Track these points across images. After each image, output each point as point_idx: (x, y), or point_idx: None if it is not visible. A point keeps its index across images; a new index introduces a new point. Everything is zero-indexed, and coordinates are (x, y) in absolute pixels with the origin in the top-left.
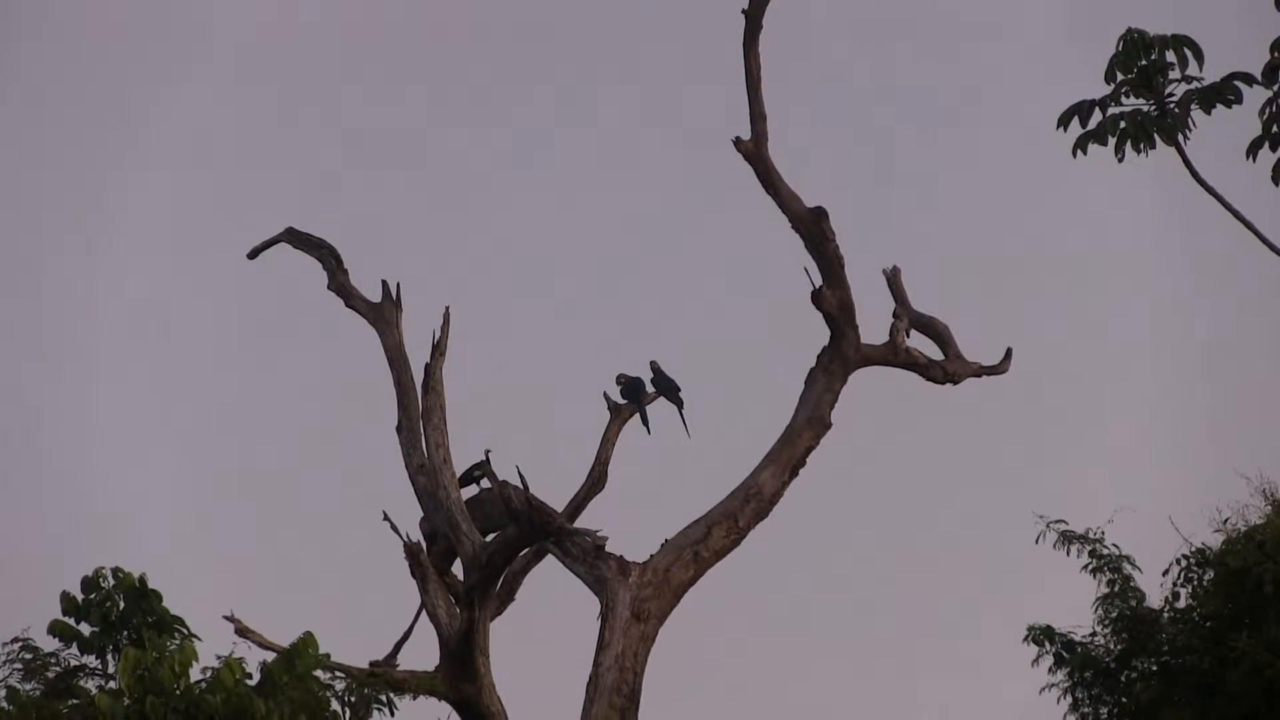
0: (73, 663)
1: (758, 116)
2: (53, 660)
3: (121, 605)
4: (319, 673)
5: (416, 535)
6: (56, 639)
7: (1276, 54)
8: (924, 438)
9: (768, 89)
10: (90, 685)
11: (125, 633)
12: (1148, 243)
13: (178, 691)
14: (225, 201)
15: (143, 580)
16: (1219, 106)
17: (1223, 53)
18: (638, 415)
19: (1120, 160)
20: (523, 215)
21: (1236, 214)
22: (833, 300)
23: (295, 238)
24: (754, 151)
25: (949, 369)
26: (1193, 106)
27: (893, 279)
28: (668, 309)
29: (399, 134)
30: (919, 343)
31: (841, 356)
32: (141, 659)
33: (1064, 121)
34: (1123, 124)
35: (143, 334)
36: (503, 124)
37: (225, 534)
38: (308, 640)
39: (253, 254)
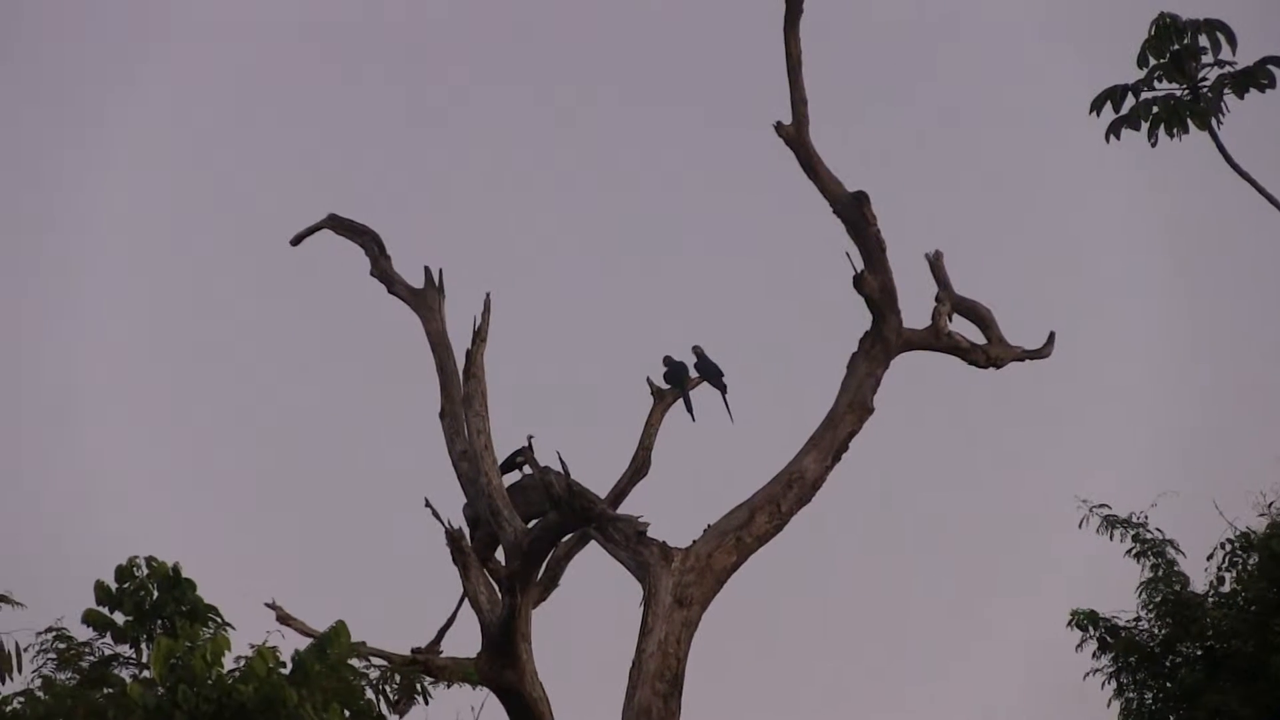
0: (106, 652)
1: (799, 101)
2: (86, 650)
3: (155, 594)
4: (355, 661)
5: (459, 522)
6: (90, 628)
7: None
8: (966, 422)
9: (808, 73)
10: (125, 674)
11: (159, 622)
12: (1191, 227)
13: (210, 681)
14: (265, 187)
15: (176, 569)
16: (1252, 91)
17: (1256, 37)
18: (681, 401)
19: (1153, 144)
20: (566, 200)
21: (1270, 197)
22: (874, 285)
23: (338, 224)
24: (795, 136)
25: (991, 353)
26: (1225, 91)
27: (935, 263)
28: (710, 294)
29: (443, 120)
30: (961, 327)
31: (883, 341)
32: (174, 648)
33: (1097, 106)
34: (1155, 108)
35: (187, 322)
36: (546, 109)
37: (270, 522)
38: (339, 629)
39: (295, 240)
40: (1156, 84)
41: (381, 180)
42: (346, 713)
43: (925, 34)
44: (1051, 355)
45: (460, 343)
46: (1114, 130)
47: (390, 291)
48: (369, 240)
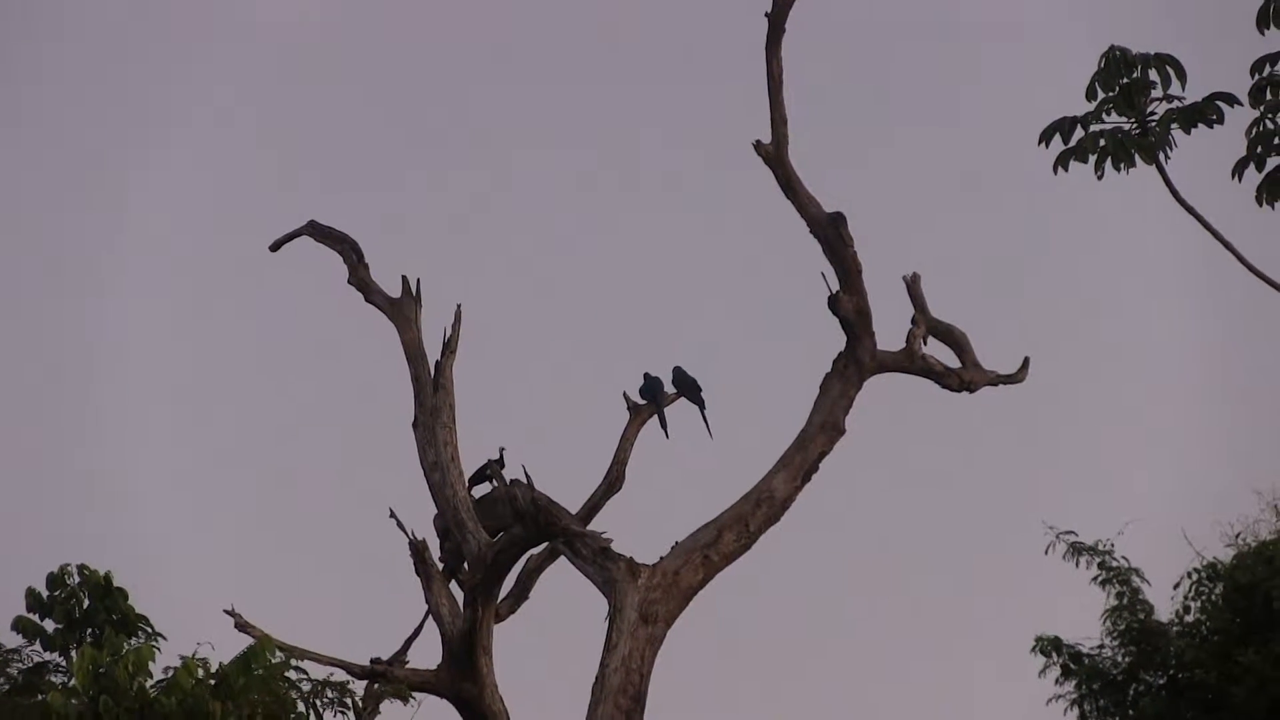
0: (34, 659)
1: (779, 120)
2: (15, 657)
3: (86, 603)
4: (292, 673)
5: (430, 533)
6: (20, 635)
7: (1257, 75)
8: (939, 445)
9: (789, 93)
10: (58, 681)
11: (89, 630)
12: (1164, 255)
13: (132, 692)
14: (243, 194)
15: (108, 578)
16: (1201, 126)
17: (1210, 72)
18: (656, 417)
19: (1100, 178)
20: (543, 216)
21: (1216, 234)
22: (850, 306)
23: (317, 231)
24: (774, 155)
25: (965, 377)
26: (1173, 126)
27: (912, 285)
28: (685, 312)
29: (421, 130)
30: (937, 350)
31: (857, 362)
32: (97, 658)
33: (1045, 138)
34: (1102, 141)
35: (158, 327)
36: (525, 123)
37: (241, 531)
38: (265, 643)
39: (274, 246)
40: (1105, 117)
41: (362, 188)
42: None
43: (911, 53)
44: (1026, 380)
45: (437, 354)
46: (1061, 162)
47: (367, 300)
48: (348, 248)
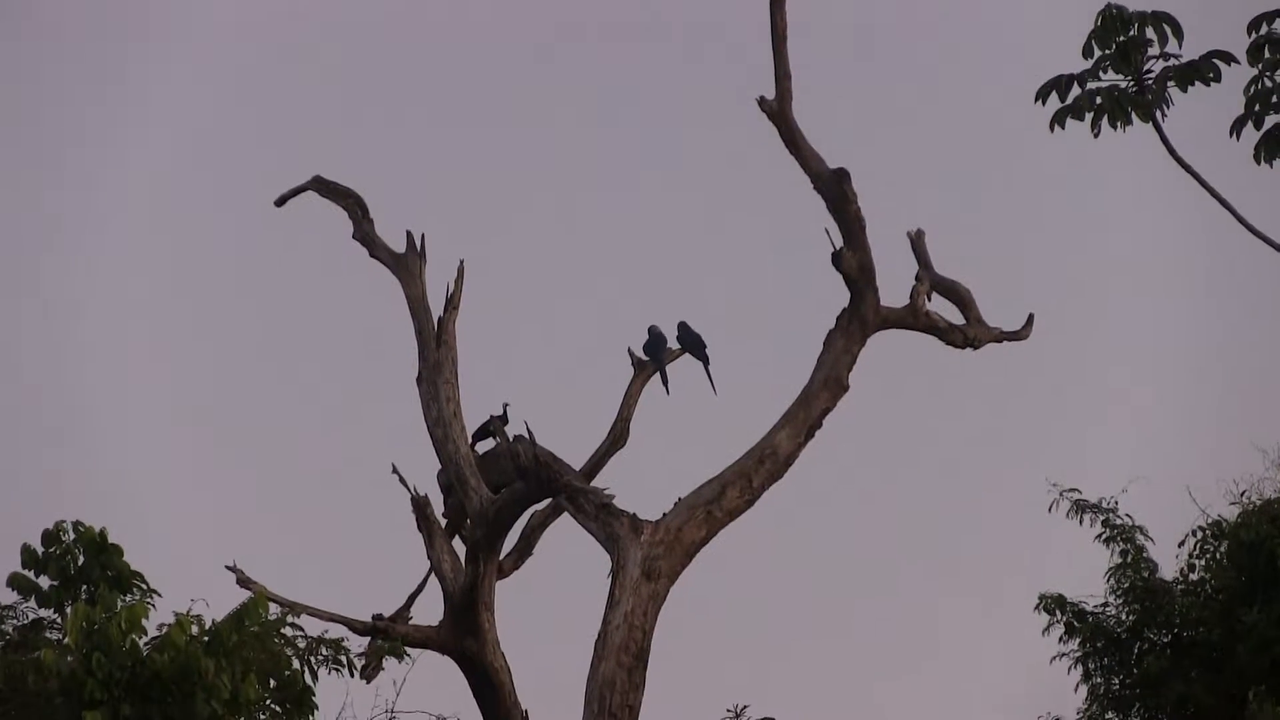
0: (30, 616)
1: (783, 75)
2: (10, 614)
3: (81, 559)
4: (289, 630)
5: (434, 488)
6: (15, 592)
7: (1254, 33)
8: (942, 401)
9: (793, 48)
10: (54, 638)
11: (85, 587)
12: (1169, 212)
13: (125, 649)
14: (249, 148)
15: (103, 534)
16: (1198, 85)
17: (1207, 30)
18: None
19: (1096, 136)
20: (548, 170)
21: (1213, 192)
22: (853, 262)
23: (322, 186)
24: (778, 111)
25: (969, 333)
26: (1170, 84)
27: (916, 242)
28: (689, 268)
29: (426, 83)
30: (941, 307)
31: (860, 318)
32: (90, 615)
33: (1042, 95)
34: (1099, 100)
35: (158, 282)
36: (527, 78)
37: (244, 487)
38: (258, 600)
39: (280, 201)
40: (1102, 75)
41: (367, 142)
42: (272, 682)
43: (916, 10)
44: (1030, 337)
45: (440, 309)
46: (1058, 120)
47: (372, 255)
48: (352, 203)
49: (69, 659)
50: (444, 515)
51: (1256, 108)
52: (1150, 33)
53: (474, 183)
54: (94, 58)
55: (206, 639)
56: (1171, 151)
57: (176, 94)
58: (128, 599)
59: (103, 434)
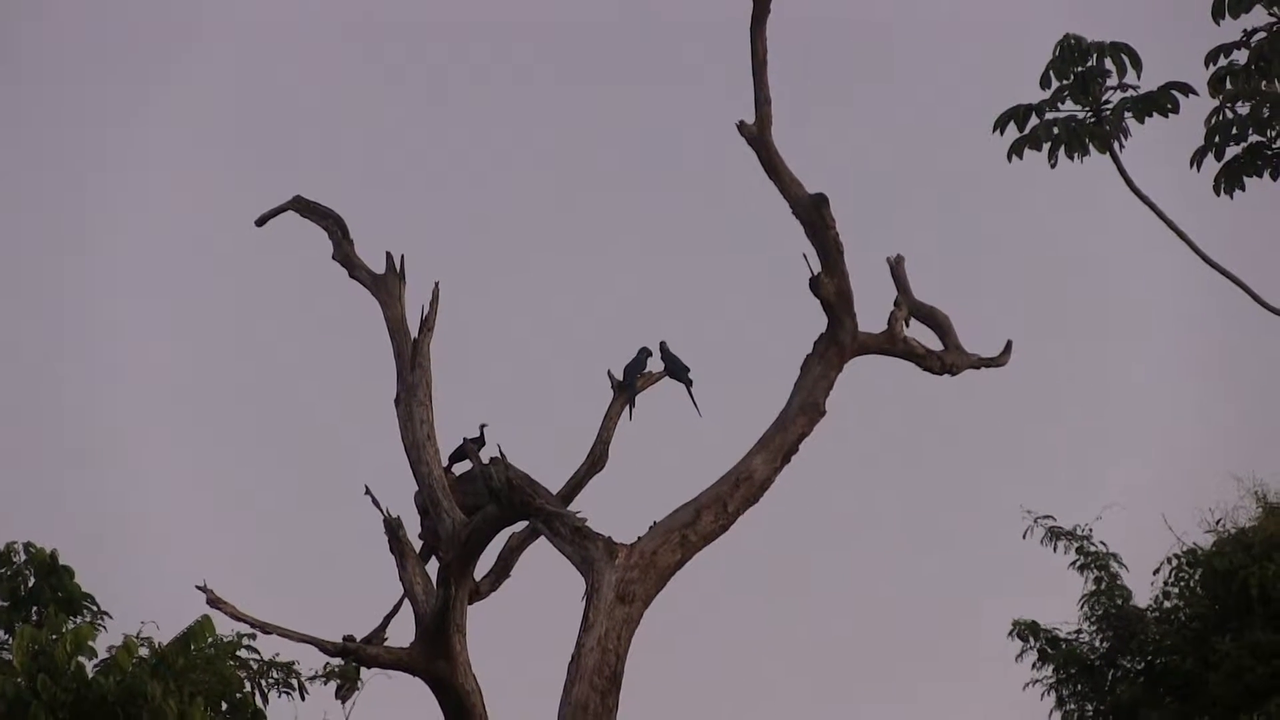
0: None
1: (762, 100)
2: None
3: (32, 581)
4: (244, 652)
5: (410, 509)
6: None
7: (1213, 65)
8: (919, 428)
9: (774, 74)
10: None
11: (35, 609)
12: (1149, 239)
13: (70, 671)
14: (229, 170)
15: (54, 556)
16: (1155, 116)
17: (1165, 62)
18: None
19: (1053, 166)
20: (527, 194)
21: (1169, 223)
22: (830, 287)
23: (303, 206)
24: (757, 135)
25: (947, 360)
26: (1128, 115)
27: (896, 267)
28: (666, 292)
29: (405, 106)
30: (919, 333)
31: (838, 344)
32: (37, 637)
33: (1000, 125)
34: (1056, 130)
35: (140, 304)
36: (508, 102)
37: (218, 506)
38: (205, 624)
39: (260, 221)
40: (1060, 105)
41: (349, 164)
42: (223, 705)
43: (894, 35)
44: (1008, 364)
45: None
46: (1015, 150)
47: (351, 276)
48: (333, 224)
49: (17, 680)
50: (420, 538)
51: (1217, 139)
52: (1109, 63)
53: (456, 204)
54: (75, 75)
55: (155, 662)
56: (1129, 183)
57: (160, 114)
58: (77, 621)
59: (77, 455)
